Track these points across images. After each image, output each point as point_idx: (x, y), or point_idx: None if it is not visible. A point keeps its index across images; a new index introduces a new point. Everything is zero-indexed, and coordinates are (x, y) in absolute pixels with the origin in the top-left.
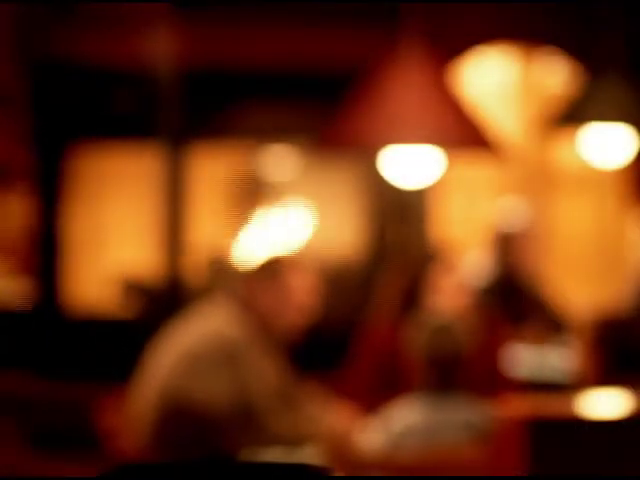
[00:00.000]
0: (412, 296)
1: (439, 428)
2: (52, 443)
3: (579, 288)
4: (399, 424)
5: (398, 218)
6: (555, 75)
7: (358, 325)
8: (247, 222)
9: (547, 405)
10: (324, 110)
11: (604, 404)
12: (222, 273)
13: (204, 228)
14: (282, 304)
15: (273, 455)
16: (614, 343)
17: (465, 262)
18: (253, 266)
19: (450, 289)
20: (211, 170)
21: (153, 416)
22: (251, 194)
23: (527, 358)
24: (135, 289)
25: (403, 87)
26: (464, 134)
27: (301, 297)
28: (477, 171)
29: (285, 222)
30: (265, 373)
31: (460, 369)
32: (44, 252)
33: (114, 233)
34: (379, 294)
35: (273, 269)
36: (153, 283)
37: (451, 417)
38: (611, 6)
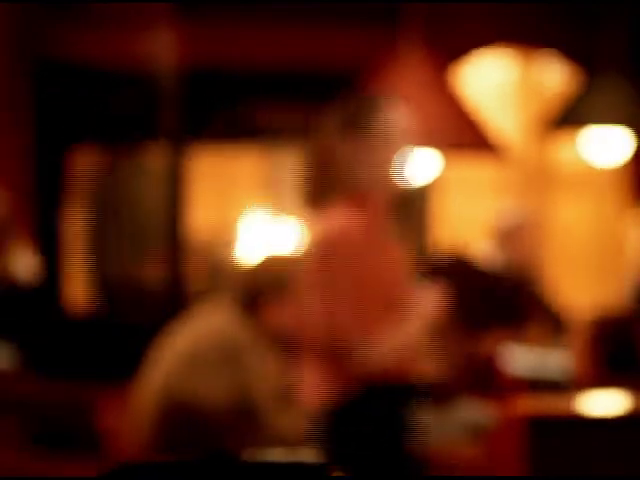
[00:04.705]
0: None
1: (439, 428)
2: (52, 443)
3: (578, 288)
4: None
5: (398, 218)
6: (555, 76)
7: None
8: (248, 222)
9: (547, 405)
10: (324, 110)
11: (604, 404)
12: (222, 273)
13: (204, 228)
14: (281, 304)
15: (273, 455)
16: (613, 342)
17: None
18: (253, 266)
19: None
20: (211, 170)
21: (155, 415)
22: (255, 194)
23: (527, 358)
24: (137, 289)
25: (403, 88)
26: (464, 135)
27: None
28: (477, 171)
29: (285, 223)
30: (266, 373)
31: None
32: (45, 252)
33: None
34: None
35: (273, 270)
36: (154, 283)
37: (451, 417)
38: (611, 6)
